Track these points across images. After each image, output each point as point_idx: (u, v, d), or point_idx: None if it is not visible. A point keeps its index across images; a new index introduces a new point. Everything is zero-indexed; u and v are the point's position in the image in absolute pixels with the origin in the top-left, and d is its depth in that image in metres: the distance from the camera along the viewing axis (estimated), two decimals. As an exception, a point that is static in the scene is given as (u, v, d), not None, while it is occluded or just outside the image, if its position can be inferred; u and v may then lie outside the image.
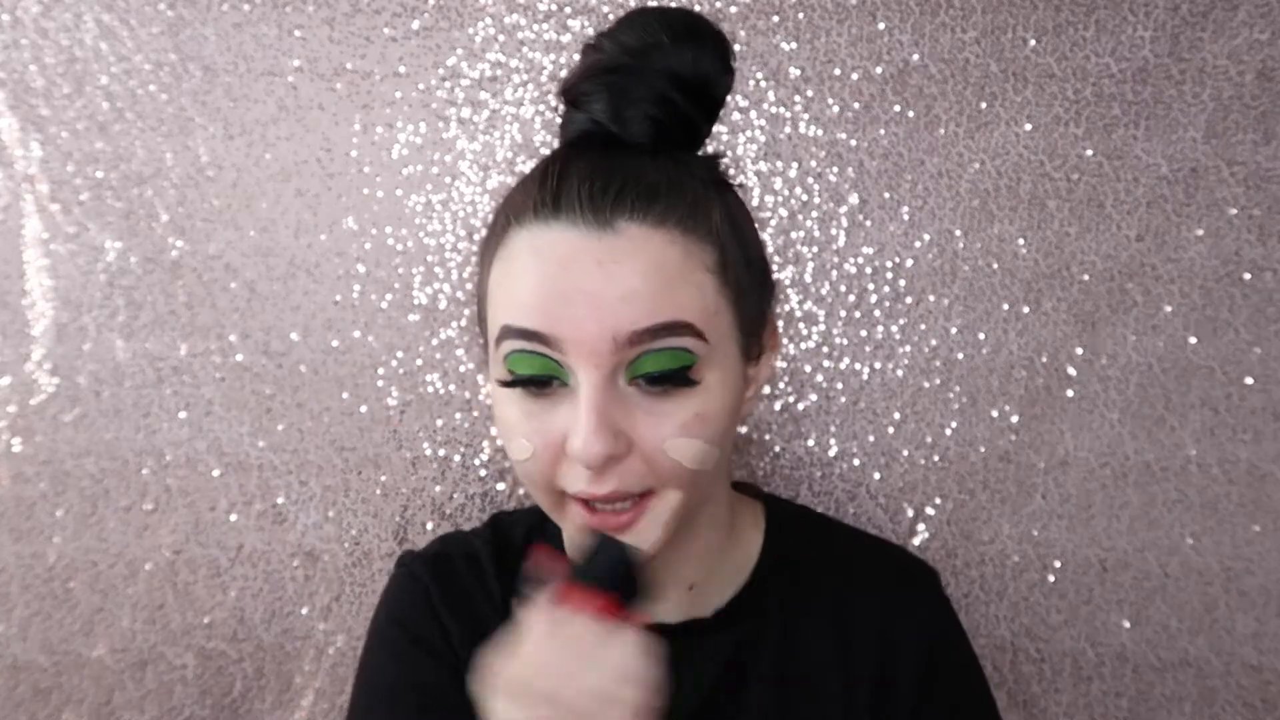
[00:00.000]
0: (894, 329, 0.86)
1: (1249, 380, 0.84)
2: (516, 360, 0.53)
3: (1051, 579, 0.86)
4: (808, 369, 0.87)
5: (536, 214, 0.53)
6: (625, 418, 0.53)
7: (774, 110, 0.85)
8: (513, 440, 0.56)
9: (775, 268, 0.86)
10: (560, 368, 0.53)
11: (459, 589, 0.68)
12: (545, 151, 0.86)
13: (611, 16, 0.84)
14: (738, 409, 0.58)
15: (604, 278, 0.51)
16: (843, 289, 0.86)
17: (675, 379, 0.53)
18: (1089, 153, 0.84)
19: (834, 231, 0.86)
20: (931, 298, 0.86)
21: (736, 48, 0.84)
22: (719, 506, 0.65)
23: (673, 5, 0.57)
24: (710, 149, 0.60)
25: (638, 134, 0.55)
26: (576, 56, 0.84)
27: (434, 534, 0.88)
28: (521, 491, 0.88)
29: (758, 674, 0.65)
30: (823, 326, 0.86)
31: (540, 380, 0.53)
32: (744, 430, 0.87)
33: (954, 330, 0.86)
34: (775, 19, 0.84)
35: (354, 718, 0.66)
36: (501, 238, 0.55)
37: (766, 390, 0.87)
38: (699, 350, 0.53)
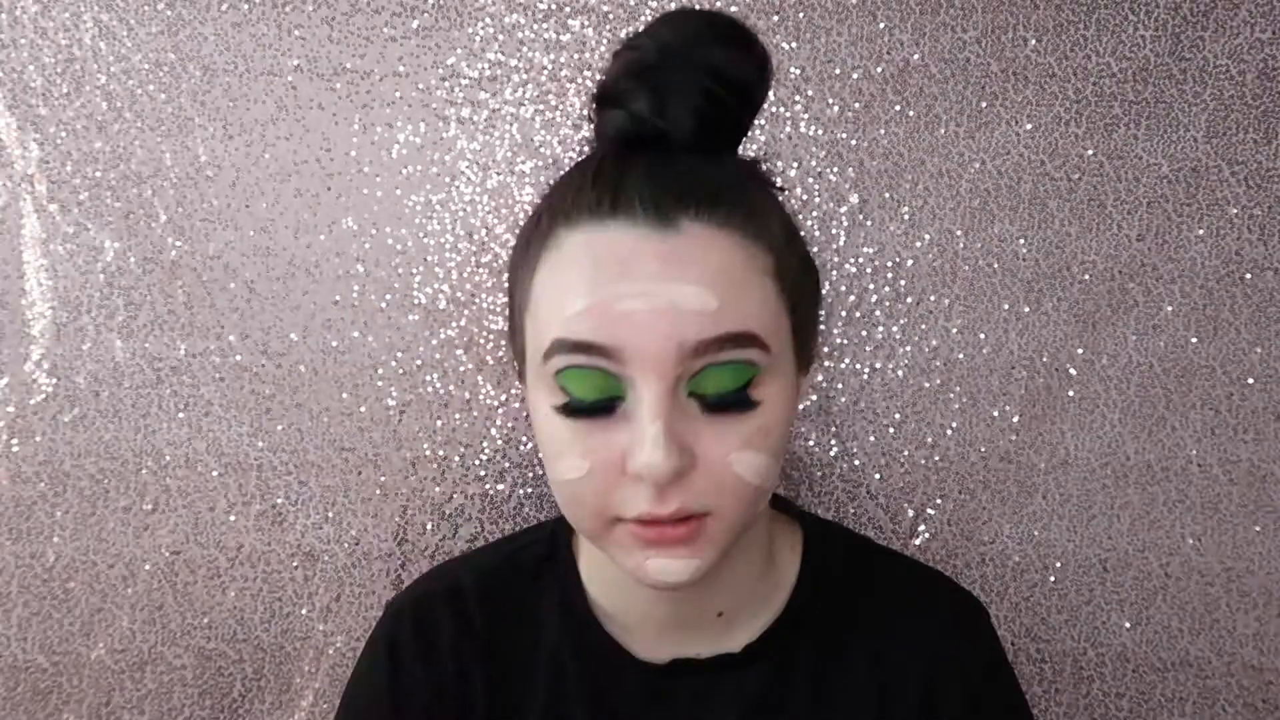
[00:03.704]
0: (894, 329, 0.86)
1: (1250, 380, 0.84)
2: (571, 377, 0.49)
3: (1052, 579, 0.86)
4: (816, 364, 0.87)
5: (592, 213, 0.49)
6: (689, 431, 0.49)
7: (774, 110, 0.85)
8: (563, 460, 0.51)
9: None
10: (620, 383, 0.49)
11: (437, 649, 0.64)
12: (545, 152, 0.86)
13: (611, 16, 0.84)
14: (793, 421, 0.55)
15: (668, 280, 0.47)
16: (843, 289, 0.86)
17: (735, 401, 0.50)
18: (1090, 152, 0.84)
19: (834, 231, 0.86)
20: (931, 298, 0.85)
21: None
22: (757, 527, 0.61)
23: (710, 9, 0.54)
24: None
25: (682, 128, 0.51)
26: (576, 56, 0.85)
27: (433, 534, 0.88)
28: (521, 493, 0.88)
29: (789, 712, 0.62)
30: (823, 326, 0.86)
31: (602, 407, 0.49)
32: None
33: (954, 330, 0.85)
34: (775, 19, 0.84)
35: None
36: (546, 241, 0.51)
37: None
38: (762, 362, 0.50)
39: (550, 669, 0.64)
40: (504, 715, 0.64)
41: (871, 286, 0.86)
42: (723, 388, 0.49)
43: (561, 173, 0.57)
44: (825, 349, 0.86)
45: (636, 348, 0.47)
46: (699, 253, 0.48)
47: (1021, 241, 0.85)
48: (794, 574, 0.65)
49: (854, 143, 0.85)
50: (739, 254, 0.49)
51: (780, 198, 0.58)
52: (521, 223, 0.86)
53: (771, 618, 0.63)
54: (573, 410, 0.50)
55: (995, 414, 0.86)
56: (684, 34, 0.52)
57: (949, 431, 0.86)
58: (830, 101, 0.85)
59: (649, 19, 0.58)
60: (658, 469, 0.47)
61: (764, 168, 0.58)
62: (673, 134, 0.51)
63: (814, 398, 0.87)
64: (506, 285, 0.59)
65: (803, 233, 0.85)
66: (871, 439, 0.87)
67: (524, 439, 0.87)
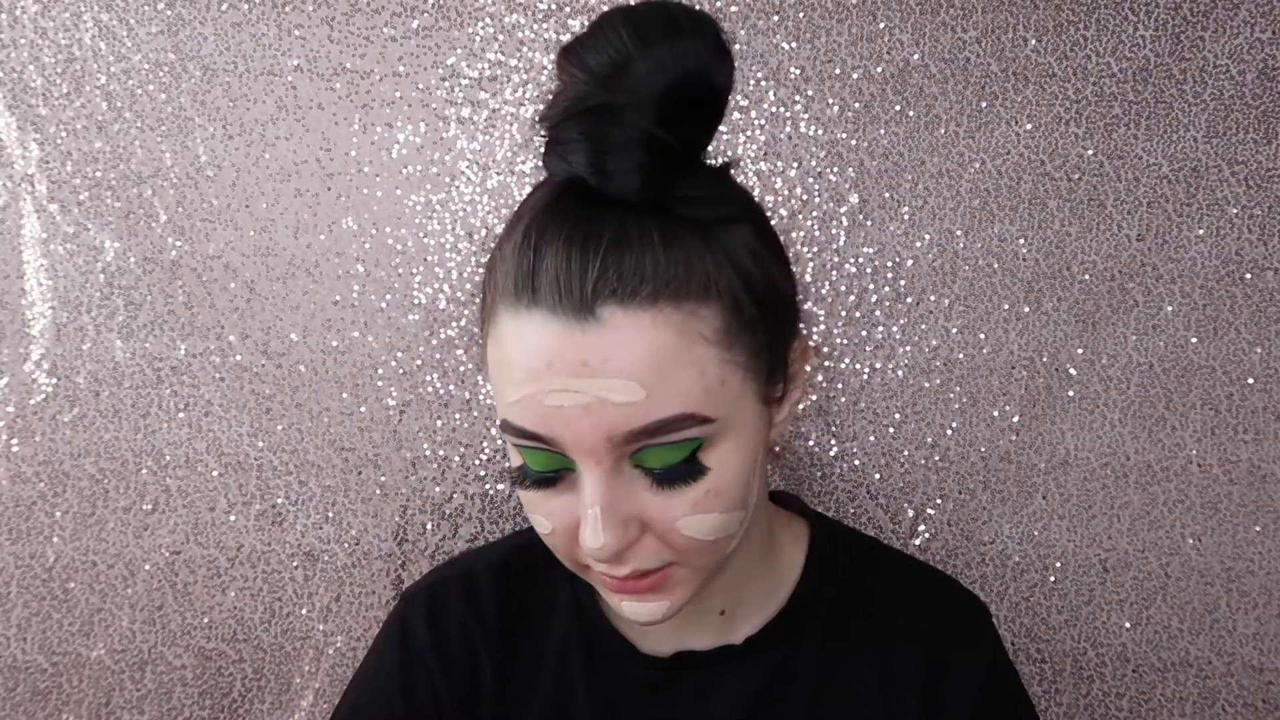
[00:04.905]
0: (894, 329, 0.86)
1: (1250, 380, 0.84)
2: (522, 450, 0.51)
3: (1052, 579, 0.86)
4: (808, 369, 0.87)
5: (517, 298, 0.48)
6: (634, 502, 0.50)
7: (774, 110, 0.85)
8: (533, 516, 0.54)
9: (775, 268, 0.86)
10: (566, 459, 0.50)
11: (448, 632, 0.66)
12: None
13: (611, 16, 0.84)
14: (759, 457, 0.54)
15: (591, 376, 0.46)
16: (843, 289, 0.86)
17: (682, 472, 0.49)
18: (1090, 152, 0.84)
19: (834, 231, 0.86)
20: (931, 298, 0.85)
21: (736, 47, 0.84)
22: (756, 527, 0.60)
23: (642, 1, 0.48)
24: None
25: (624, 188, 0.48)
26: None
27: (433, 534, 0.88)
28: (521, 492, 0.88)
29: (791, 705, 0.63)
30: (823, 326, 0.86)
31: (549, 478, 0.51)
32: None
33: (954, 330, 0.85)
34: (775, 19, 0.84)
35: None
36: (490, 313, 0.51)
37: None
38: (705, 432, 0.49)
39: (557, 659, 0.65)
40: (510, 702, 0.65)
41: (871, 286, 0.86)
42: (667, 461, 0.49)
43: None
44: (826, 348, 0.86)
45: (569, 440, 0.48)
46: (622, 343, 0.46)
47: (1021, 241, 0.85)
48: (798, 570, 0.65)
49: (854, 143, 0.85)
50: (669, 331, 0.47)
51: (758, 208, 0.56)
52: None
53: (774, 612, 0.64)
54: (528, 477, 0.52)
55: (995, 414, 0.86)
56: (613, 53, 0.46)
57: (949, 431, 0.86)
58: (830, 101, 0.85)
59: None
60: (599, 552, 0.49)
61: (732, 175, 0.55)
62: (612, 193, 0.48)
63: (814, 398, 0.87)
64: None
65: (801, 233, 0.86)
66: (871, 439, 0.87)
67: (524, 439, 0.87)
